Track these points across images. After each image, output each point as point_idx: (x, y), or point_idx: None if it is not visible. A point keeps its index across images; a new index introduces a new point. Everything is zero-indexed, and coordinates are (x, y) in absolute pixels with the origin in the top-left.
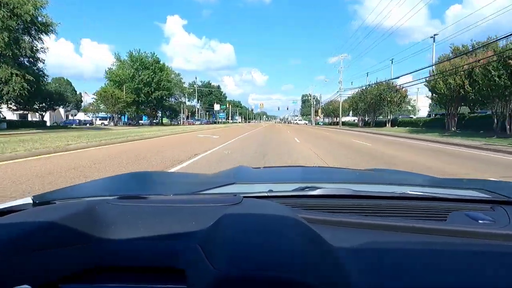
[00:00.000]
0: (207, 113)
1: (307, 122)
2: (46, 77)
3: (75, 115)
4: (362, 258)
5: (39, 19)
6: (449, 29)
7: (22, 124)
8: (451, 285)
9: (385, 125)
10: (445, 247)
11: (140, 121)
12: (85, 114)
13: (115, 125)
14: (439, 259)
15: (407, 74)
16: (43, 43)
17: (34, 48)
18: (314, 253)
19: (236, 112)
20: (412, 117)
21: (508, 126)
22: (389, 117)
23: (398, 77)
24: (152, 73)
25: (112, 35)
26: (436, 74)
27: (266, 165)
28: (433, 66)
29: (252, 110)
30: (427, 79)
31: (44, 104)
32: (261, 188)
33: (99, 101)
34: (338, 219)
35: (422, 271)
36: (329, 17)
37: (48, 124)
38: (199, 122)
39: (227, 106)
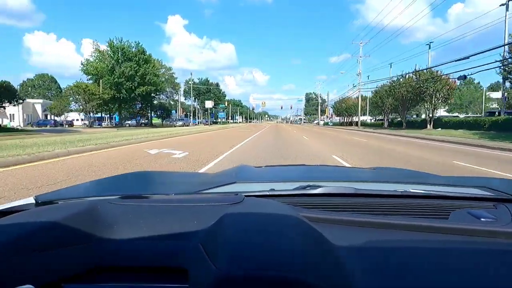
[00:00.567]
0: (206, 112)
1: (306, 121)
2: None
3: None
4: (364, 257)
5: None
6: None
7: None
8: (454, 283)
9: (424, 126)
10: (448, 245)
11: (128, 122)
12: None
13: (90, 126)
14: (441, 257)
15: (451, 62)
16: None
17: None
18: (316, 252)
19: (237, 112)
20: (458, 116)
21: None
22: (430, 115)
23: (443, 64)
24: (135, 66)
25: (113, 36)
26: None
27: None
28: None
29: (253, 109)
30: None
31: None
32: (262, 187)
33: (70, 98)
34: (340, 218)
35: (425, 269)
36: (331, 16)
37: (14, 124)
38: (193, 122)
39: (226, 104)
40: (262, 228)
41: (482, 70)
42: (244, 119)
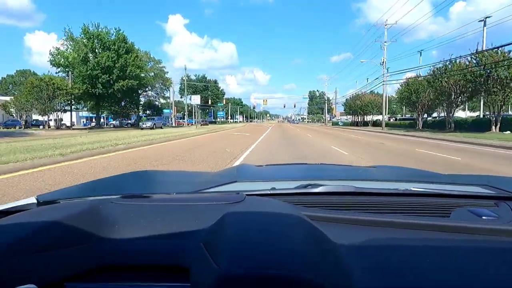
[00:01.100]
0: (203, 111)
1: (310, 120)
2: None
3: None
4: (365, 255)
5: None
6: None
7: None
8: (455, 282)
9: (480, 127)
10: (449, 244)
11: (112, 122)
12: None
13: (58, 128)
14: (443, 255)
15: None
16: None
17: None
18: (317, 251)
19: (237, 111)
20: None
21: None
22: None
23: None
24: (114, 56)
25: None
26: None
27: None
28: None
29: (254, 107)
30: None
31: None
32: (263, 186)
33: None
34: (341, 217)
35: (426, 268)
36: (333, 14)
37: None
38: (188, 122)
39: (224, 102)
40: (263, 227)
41: None
42: (244, 118)
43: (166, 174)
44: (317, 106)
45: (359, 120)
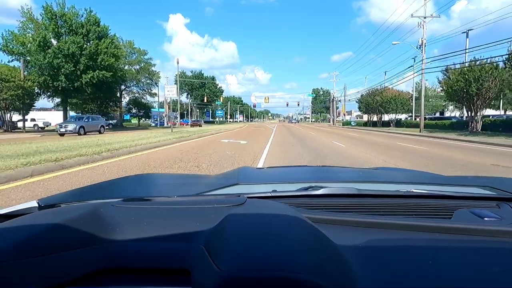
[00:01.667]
0: (200, 110)
1: (313, 120)
2: None
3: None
4: (367, 257)
5: None
6: None
7: None
8: (458, 283)
9: None
10: (451, 245)
11: (109, 121)
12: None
13: (8, 130)
14: (445, 257)
15: None
16: None
17: None
18: (319, 253)
19: (237, 110)
20: None
21: None
22: None
23: None
24: (82, 40)
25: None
26: None
27: None
28: None
29: (254, 106)
30: None
31: None
32: (264, 188)
33: None
34: (342, 218)
35: (428, 270)
36: (334, 13)
37: None
38: (182, 122)
39: (221, 100)
40: (265, 230)
41: None
42: (245, 118)
43: (167, 177)
44: (321, 104)
45: (377, 119)
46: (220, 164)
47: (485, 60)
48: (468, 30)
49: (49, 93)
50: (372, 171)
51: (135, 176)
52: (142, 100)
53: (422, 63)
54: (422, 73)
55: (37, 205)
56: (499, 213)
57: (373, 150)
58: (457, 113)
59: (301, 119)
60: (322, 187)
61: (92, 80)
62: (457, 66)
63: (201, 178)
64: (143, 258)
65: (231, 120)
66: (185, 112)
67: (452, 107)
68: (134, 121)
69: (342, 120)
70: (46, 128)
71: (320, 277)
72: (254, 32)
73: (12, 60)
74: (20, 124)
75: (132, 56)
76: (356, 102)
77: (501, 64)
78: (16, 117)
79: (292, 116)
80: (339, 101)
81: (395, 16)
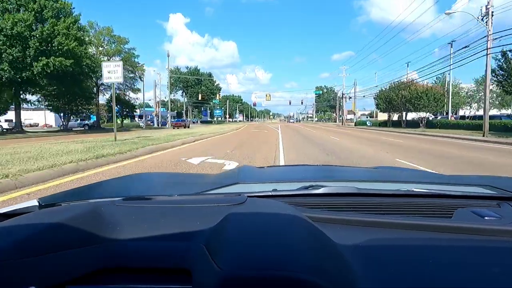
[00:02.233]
0: (197, 109)
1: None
2: None
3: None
4: (367, 256)
5: None
6: None
7: None
8: (458, 283)
9: None
10: (451, 244)
11: (85, 122)
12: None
13: None
14: (446, 256)
15: None
16: None
17: None
18: (319, 252)
19: (236, 109)
20: None
21: None
22: None
23: None
24: (32, 18)
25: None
26: None
27: None
28: None
29: (254, 104)
30: None
31: None
32: (265, 187)
33: None
34: (342, 218)
35: (429, 269)
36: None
37: None
38: (176, 121)
39: (218, 98)
40: (265, 229)
41: None
42: (245, 117)
43: (168, 176)
44: (325, 103)
45: (402, 118)
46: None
47: None
48: None
49: None
50: (373, 170)
51: (136, 175)
52: (126, 97)
53: (487, 40)
54: (487, 54)
55: (37, 204)
56: (499, 212)
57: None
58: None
59: (303, 118)
60: (322, 186)
61: (47, 69)
62: None
63: (202, 177)
64: (143, 257)
65: (231, 119)
66: (183, 111)
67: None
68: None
69: (354, 119)
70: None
71: (320, 276)
72: (254, 31)
73: None
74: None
75: (111, 46)
76: (374, 98)
77: None
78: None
79: (293, 115)
80: (350, 98)
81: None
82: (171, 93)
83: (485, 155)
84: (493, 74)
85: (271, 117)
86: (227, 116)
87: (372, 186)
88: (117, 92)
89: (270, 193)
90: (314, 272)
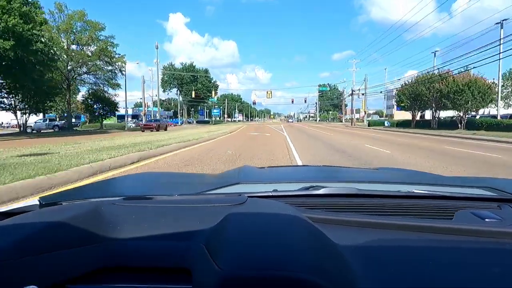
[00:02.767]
0: (193, 108)
1: (317, 118)
2: None
3: None
4: (367, 257)
5: None
6: None
7: None
8: (458, 284)
9: None
10: (452, 246)
11: (54, 123)
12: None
13: None
14: (446, 258)
15: None
16: None
17: None
18: (319, 253)
19: (235, 108)
20: None
21: None
22: None
23: None
24: None
25: (114, 34)
26: None
27: None
28: None
29: (254, 103)
30: None
31: None
32: (265, 188)
33: None
34: (343, 218)
35: (429, 270)
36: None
37: None
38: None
39: (213, 95)
40: (265, 229)
41: None
42: (244, 117)
43: (169, 176)
44: (328, 101)
45: (432, 117)
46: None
47: None
48: None
49: None
50: (373, 171)
51: (136, 174)
52: (105, 93)
53: None
54: None
55: (38, 203)
56: (500, 214)
57: None
58: None
59: (304, 118)
60: (323, 187)
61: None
62: None
63: (202, 177)
64: (144, 256)
65: (230, 119)
66: (181, 111)
67: None
68: (110, 121)
69: (365, 118)
70: None
71: (320, 276)
72: (254, 31)
73: None
74: None
75: (84, 33)
76: (396, 94)
77: None
78: None
79: (293, 115)
80: (362, 94)
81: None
82: (164, 91)
83: None
84: None
85: (272, 116)
86: (226, 115)
87: (372, 187)
88: (94, 88)
89: (270, 194)
90: (314, 272)
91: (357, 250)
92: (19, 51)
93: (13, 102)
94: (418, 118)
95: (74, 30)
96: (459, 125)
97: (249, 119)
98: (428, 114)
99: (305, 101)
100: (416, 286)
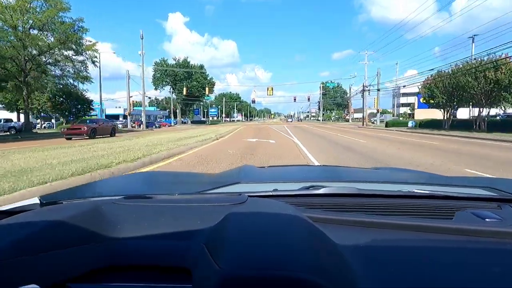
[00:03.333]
0: (187, 107)
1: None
2: None
3: None
4: (367, 257)
5: None
6: None
7: None
8: (459, 284)
9: None
10: (452, 246)
11: (10, 124)
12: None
13: None
14: (446, 257)
15: None
16: None
17: None
18: (319, 252)
19: (234, 108)
20: None
21: None
22: None
23: None
24: None
25: (114, 34)
26: None
27: None
28: None
29: (253, 101)
30: None
31: None
32: (266, 187)
33: None
34: (343, 218)
35: (429, 269)
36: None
37: None
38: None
39: (207, 92)
40: (265, 228)
41: None
42: (243, 116)
43: (169, 175)
44: (331, 100)
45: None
46: None
47: None
48: None
49: None
50: (374, 171)
51: (137, 174)
52: (75, 89)
53: None
54: None
55: (38, 201)
56: (500, 214)
57: None
58: None
59: (305, 117)
60: (323, 187)
61: None
62: None
63: (203, 176)
64: (144, 256)
65: (228, 119)
66: (176, 110)
67: None
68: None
69: (378, 117)
70: None
71: (320, 276)
72: (254, 30)
73: None
74: None
75: (43, 14)
76: (419, 87)
77: None
78: None
79: (294, 114)
80: (378, 90)
81: None
82: (156, 89)
83: None
84: None
85: (272, 116)
86: (224, 115)
87: (373, 187)
88: (61, 82)
89: (271, 193)
90: (314, 271)
91: (358, 249)
92: None
93: None
94: (447, 116)
95: (31, 11)
96: None
97: (248, 119)
98: (462, 113)
99: (309, 99)
100: (417, 286)
